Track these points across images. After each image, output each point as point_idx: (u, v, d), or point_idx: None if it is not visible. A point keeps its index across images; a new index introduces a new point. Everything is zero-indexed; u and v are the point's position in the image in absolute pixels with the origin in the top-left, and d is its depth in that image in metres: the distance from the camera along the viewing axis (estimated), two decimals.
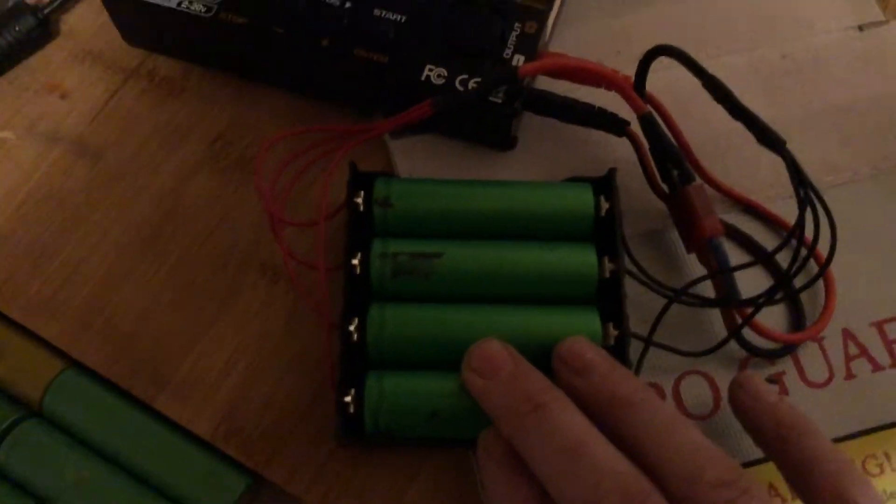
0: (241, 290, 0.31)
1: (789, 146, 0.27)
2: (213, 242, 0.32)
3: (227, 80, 0.34)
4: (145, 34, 0.34)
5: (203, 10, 0.32)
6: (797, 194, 0.27)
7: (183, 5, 0.32)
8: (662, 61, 0.30)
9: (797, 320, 0.30)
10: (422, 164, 0.33)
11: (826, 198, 0.28)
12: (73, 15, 0.36)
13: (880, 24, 0.36)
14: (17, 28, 0.33)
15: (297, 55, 0.32)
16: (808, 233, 0.27)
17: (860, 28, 0.36)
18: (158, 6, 0.32)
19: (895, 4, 0.36)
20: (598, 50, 0.35)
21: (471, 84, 0.30)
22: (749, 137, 0.28)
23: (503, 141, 0.32)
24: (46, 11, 0.34)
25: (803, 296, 0.30)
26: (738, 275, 0.29)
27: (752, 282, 0.29)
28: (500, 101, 0.30)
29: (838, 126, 0.34)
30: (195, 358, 0.30)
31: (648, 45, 0.30)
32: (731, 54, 0.35)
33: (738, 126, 0.28)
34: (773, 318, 0.30)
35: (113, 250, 0.32)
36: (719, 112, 0.29)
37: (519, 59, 0.31)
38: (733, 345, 0.29)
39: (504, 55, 0.31)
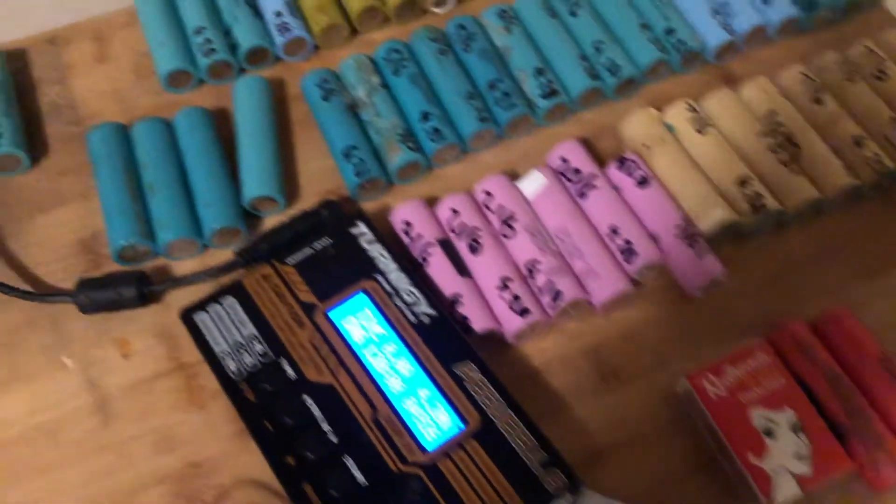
0: None
1: None
2: None
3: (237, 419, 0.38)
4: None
5: (233, 370, 0.37)
6: None
7: (221, 353, 0.37)
8: None
9: None
10: None
11: None
12: (181, 293, 0.42)
13: None
14: (118, 291, 0.40)
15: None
16: None
17: None
18: (204, 339, 0.38)
19: None
20: None
21: None
22: None
23: None
24: (146, 290, 0.41)
25: None
26: None
27: None
28: None
29: None
30: None
31: None
32: None
33: None
34: None
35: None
36: None
37: None
38: None
39: None
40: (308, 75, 0.47)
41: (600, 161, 0.45)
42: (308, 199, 0.45)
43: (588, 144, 0.47)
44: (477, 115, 0.45)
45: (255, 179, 0.43)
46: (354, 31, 0.51)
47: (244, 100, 0.46)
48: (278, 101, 0.48)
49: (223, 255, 0.43)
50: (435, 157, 0.45)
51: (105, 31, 0.51)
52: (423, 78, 0.47)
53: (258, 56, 0.48)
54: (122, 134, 0.45)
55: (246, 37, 0.48)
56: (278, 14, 0.48)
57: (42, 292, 0.41)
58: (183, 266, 0.43)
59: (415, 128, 0.45)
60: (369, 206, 0.45)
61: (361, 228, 0.41)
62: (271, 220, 0.44)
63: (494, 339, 0.40)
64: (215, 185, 0.43)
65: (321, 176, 0.46)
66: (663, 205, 0.42)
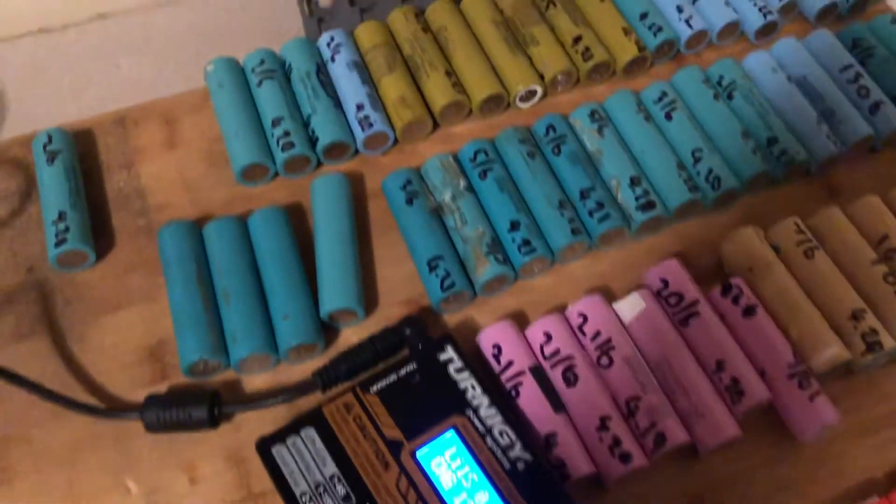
0: None
1: None
2: None
3: None
4: None
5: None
6: None
7: (301, 495, 0.35)
8: None
9: None
10: None
11: None
12: (262, 415, 0.39)
13: None
14: (189, 411, 0.37)
15: None
16: None
17: None
18: (283, 478, 0.35)
19: None
20: None
21: None
22: None
23: None
24: (217, 412, 0.38)
25: None
26: None
27: None
28: None
29: None
30: None
31: None
32: None
33: None
34: None
35: None
36: None
37: None
38: None
39: None
40: (390, 177, 0.45)
41: (697, 279, 0.43)
42: (387, 309, 0.43)
43: (684, 259, 0.44)
44: (569, 227, 0.43)
45: (335, 290, 0.41)
46: (435, 125, 0.48)
47: (323, 200, 0.43)
48: (356, 197, 0.45)
49: (297, 369, 0.41)
50: (522, 270, 0.43)
51: (175, 112, 0.49)
52: (511, 182, 0.44)
53: (337, 150, 0.46)
54: (195, 233, 0.43)
55: (325, 131, 0.45)
56: (360, 107, 0.46)
57: (108, 407, 0.39)
58: (253, 381, 0.40)
59: (503, 237, 0.43)
60: (450, 318, 0.42)
61: (450, 353, 0.38)
62: (348, 331, 0.42)
63: (588, 480, 0.37)
64: (293, 295, 0.40)
65: (401, 283, 0.43)
66: (771, 339, 0.39)
